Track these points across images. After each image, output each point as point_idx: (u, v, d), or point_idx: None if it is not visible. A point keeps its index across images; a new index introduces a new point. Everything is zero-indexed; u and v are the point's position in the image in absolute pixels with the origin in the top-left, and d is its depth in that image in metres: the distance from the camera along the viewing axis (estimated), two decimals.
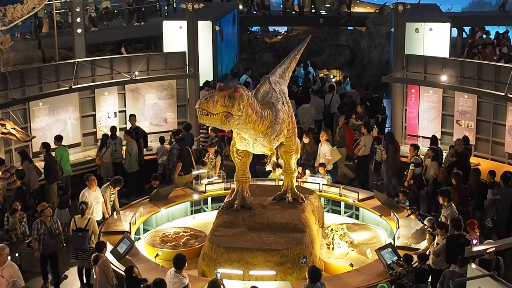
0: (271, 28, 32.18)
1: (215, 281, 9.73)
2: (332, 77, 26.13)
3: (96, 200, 13.08)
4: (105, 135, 16.63)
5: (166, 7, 29.67)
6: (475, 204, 14.45)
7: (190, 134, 17.28)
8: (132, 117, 17.23)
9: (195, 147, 17.47)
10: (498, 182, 13.87)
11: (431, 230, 11.66)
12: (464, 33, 28.57)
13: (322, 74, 26.89)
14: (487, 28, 28.16)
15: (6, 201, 14.04)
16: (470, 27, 28.45)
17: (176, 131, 17.12)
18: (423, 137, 17.65)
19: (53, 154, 15.29)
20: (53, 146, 15.53)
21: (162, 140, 16.96)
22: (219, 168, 15.28)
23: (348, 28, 29.44)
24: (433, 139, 16.27)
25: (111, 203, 13.46)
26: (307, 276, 9.77)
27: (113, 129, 16.70)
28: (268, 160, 11.73)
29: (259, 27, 31.95)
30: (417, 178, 15.12)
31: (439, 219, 12.27)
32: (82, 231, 12.10)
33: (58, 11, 24.24)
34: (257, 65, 27.47)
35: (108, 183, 13.65)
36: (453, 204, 12.25)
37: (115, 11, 27.71)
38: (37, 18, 24.07)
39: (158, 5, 29.20)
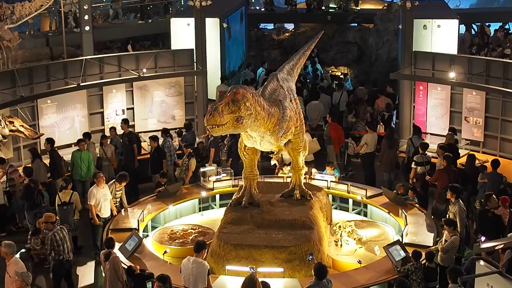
0: (273, 26, 32.03)
1: (252, 277, 9.53)
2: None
3: (104, 197, 13.10)
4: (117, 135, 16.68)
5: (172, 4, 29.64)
6: (471, 189, 14.44)
7: (192, 132, 17.29)
8: (123, 122, 16.66)
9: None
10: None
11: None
12: (472, 29, 28.43)
13: (330, 72, 26.87)
14: (492, 24, 28.04)
15: (10, 198, 14.25)
16: (479, 24, 28.31)
17: (166, 130, 16.84)
18: (431, 134, 17.63)
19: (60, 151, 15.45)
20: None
21: (154, 138, 16.11)
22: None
23: (356, 24, 29.36)
24: (416, 129, 16.46)
25: (118, 199, 13.47)
26: (313, 273, 9.77)
27: (112, 130, 16.66)
28: (275, 156, 11.72)
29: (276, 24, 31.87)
30: (420, 177, 15.01)
31: (447, 215, 12.24)
32: (67, 205, 12.93)
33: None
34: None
35: (113, 180, 13.67)
36: (460, 201, 12.23)
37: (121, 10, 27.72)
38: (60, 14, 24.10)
39: (165, 2, 29.19)
